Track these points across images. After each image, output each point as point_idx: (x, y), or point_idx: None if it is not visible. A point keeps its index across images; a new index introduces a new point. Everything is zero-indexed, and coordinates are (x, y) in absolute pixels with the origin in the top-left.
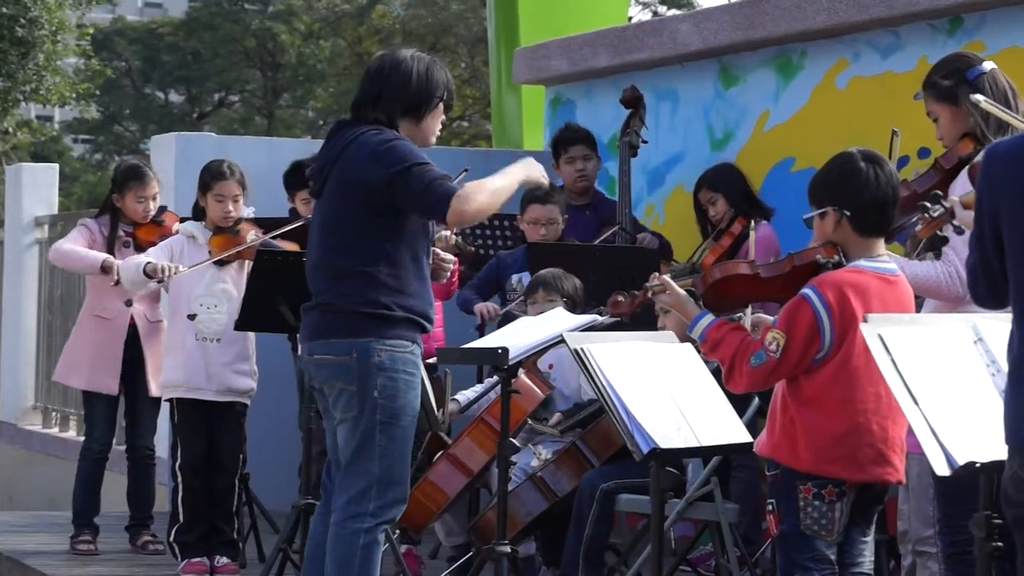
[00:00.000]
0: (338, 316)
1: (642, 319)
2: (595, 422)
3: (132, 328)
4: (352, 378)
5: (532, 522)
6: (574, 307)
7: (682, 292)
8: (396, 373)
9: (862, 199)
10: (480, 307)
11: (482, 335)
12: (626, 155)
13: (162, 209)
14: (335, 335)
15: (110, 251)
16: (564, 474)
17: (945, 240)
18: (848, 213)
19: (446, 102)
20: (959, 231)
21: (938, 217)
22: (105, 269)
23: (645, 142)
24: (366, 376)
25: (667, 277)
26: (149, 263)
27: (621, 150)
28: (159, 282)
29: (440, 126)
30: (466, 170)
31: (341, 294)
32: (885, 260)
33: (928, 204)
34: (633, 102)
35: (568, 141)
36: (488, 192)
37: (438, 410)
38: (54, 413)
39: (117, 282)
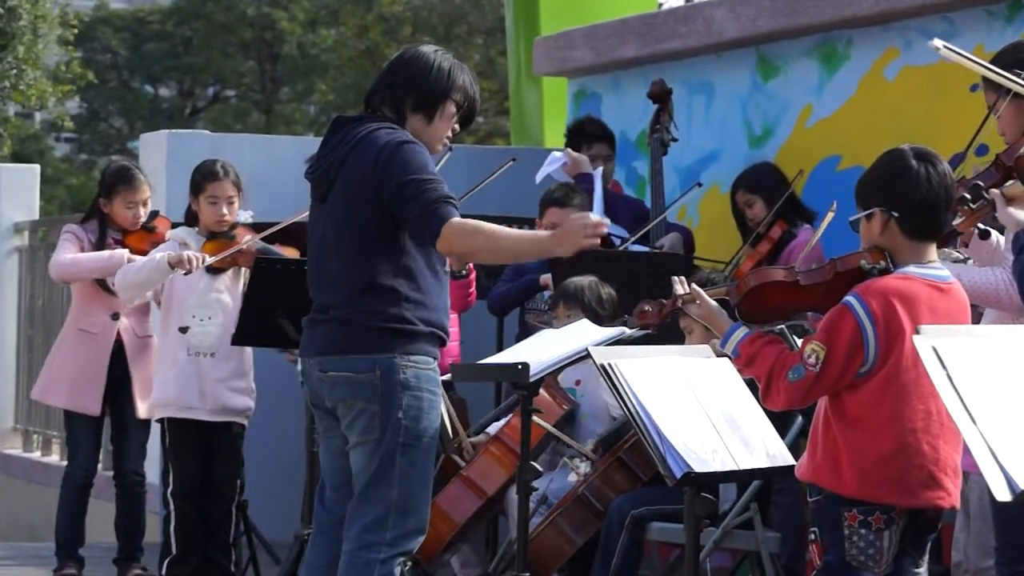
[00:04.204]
0: (358, 331)
1: (673, 331)
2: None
3: (119, 344)
4: (374, 397)
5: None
6: (598, 320)
7: (713, 303)
8: (421, 392)
9: (912, 200)
10: (546, 278)
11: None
12: (658, 153)
13: (154, 215)
14: (355, 351)
15: None
16: (610, 490)
17: (987, 234)
18: (896, 215)
19: (461, 107)
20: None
21: (978, 209)
22: (172, 263)
23: (675, 139)
24: (391, 395)
25: (697, 287)
26: (171, 253)
27: (652, 148)
28: (186, 273)
29: (450, 133)
30: (513, 160)
31: (361, 309)
32: (937, 266)
33: (968, 195)
34: (661, 96)
35: (592, 137)
36: (487, 238)
37: (453, 435)
38: (35, 436)
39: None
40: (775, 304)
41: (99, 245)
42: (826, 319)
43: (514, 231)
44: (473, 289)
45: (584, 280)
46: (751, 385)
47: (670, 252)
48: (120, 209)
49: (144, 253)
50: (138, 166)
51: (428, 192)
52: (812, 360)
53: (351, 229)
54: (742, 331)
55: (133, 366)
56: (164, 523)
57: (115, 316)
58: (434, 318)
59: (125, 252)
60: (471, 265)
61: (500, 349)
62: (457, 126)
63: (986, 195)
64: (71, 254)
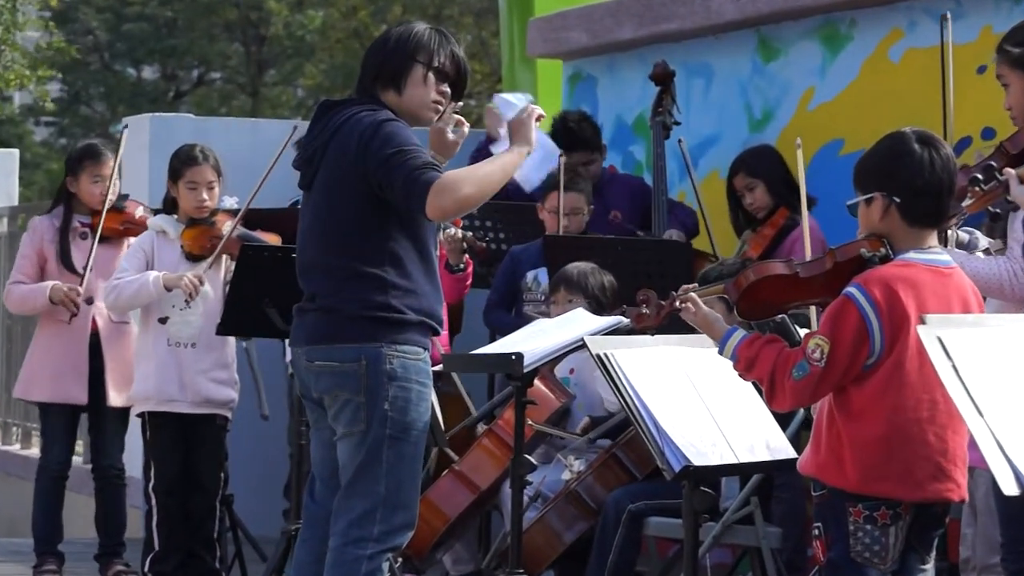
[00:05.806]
0: (345, 320)
1: (672, 320)
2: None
3: (94, 334)
4: (360, 388)
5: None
6: (600, 308)
7: (708, 311)
8: (408, 383)
9: (914, 185)
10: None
11: None
12: (659, 137)
13: (123, 197)
14: (341, 340)
15: (63, 244)
16: (604, 488)
17: (998, 216)
18: (897, 200)
19: (434, 67)
20: (1014, 208)
21: (990, 190)
22: (53, 299)
23: (677, 123)
24: (376, 385)
25: (695, 295)
26: (167, 275)
27: (654, 131)
28: (186, 301)
29: (437, 98)
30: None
31: (346, 298)
32: (937, 251)
33: (980, 176)
34: (664, 79)
35: (566, 147)
36: (475, 181)
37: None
38: (15, 428)
39: (73, 316)
40: (774, 299)
41: (64, 231)
42: (828, 311)
43: (486, 165)
44: (469, 282)
45: (586, 266)
46: None
47: (668, 240)
48: (87, 185)
49: (117, 233)
50: (107, 144)
51: (411, 160)
52: (816, 355)
53: (335, 216)
54: (739, 334)
55: (108, 354)
56: (146, 518)
57: (89, 301)
58: (424, 306)
59: (52, 288)
60: (468, 258)
61: (494, 339)
62: (447, 88)
63: (999, 176)
64: (16, 284)
